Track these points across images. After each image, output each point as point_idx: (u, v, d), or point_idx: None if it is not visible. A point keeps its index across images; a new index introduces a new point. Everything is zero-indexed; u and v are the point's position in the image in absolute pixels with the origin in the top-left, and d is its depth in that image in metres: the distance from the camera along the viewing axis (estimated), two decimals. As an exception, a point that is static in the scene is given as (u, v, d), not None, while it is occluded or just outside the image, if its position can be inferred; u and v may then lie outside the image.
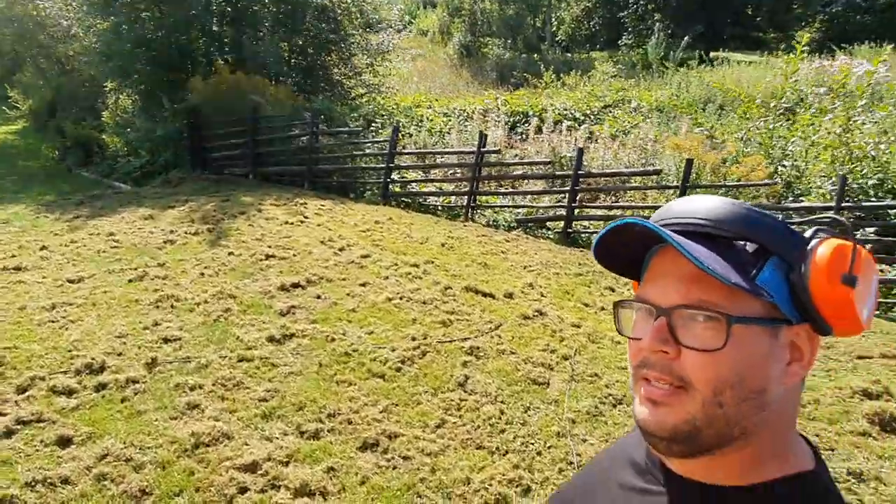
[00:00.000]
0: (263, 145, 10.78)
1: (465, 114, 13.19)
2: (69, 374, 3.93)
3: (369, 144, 10.35)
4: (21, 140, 18.52)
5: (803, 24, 28.56)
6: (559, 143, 10.26)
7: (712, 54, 24.71)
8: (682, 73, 16.71)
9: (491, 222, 8.42)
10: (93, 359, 4.04)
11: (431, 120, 12.94)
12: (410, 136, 11.42)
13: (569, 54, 30.08)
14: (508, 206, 8.65)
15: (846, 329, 0.61)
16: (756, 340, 0.61)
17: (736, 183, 7.53)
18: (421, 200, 9.21)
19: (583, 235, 7.94)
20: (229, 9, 13.53)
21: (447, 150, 9.87)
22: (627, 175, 8.32)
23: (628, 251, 0.70)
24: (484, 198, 8.93)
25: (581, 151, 8.04)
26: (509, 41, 31.26)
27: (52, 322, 4.58)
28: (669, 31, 23.89)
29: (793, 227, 0.64)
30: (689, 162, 7.20)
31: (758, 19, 30.96)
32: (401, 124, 11.66)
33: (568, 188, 7.96)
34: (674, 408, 0.62)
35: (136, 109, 14.13)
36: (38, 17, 16.70)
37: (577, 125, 11.74)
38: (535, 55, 29.65)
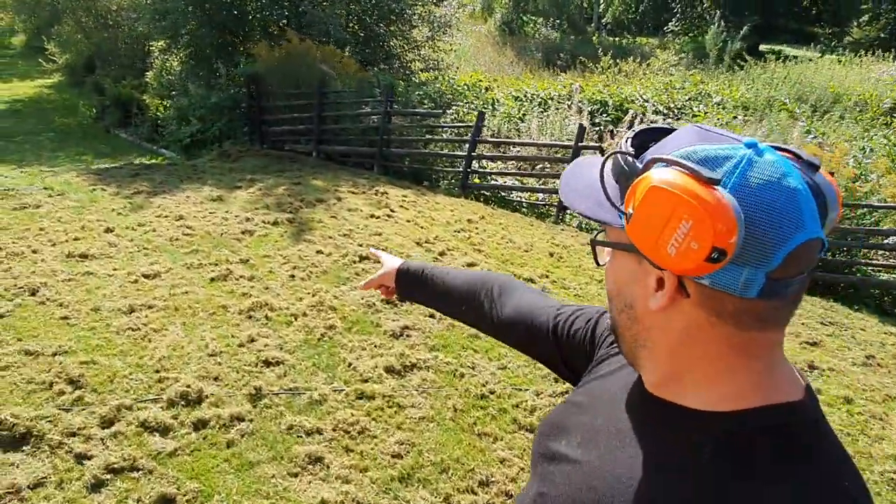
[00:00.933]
0: (329, 122, 10.00)
1: (540, 98, 12.28)
2: (161, 403, 3.25)
3: (447, 129, 9.52)
4: (57, 95, 17.97)
5: (863, 20, 26.92)
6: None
7: (761, 47, 23.36)
8: (762, 67, 15.58)
9: (585, 226, 7.61)
10: (187, 386, 3.36)
11: (504, 104, 12.06)
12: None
13: (614, 38, 28.73)
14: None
15: (660, 261, 0.61)
16: (623, 261, 0.69)
17: (885, 204, 6.61)
18: (504, 195, 8.41)
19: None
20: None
21: (537, 142, 8.99)
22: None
23: None
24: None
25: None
26: (555, 21, 29.98)
27: (133, 330, 3.90)
28: (727, 20, 22.55)
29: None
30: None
31: (814, 11, 29.35)
32: (476, 108, 10.82)
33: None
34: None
35: (185, 72, 13.41)
36: (81, -34, 16.01)
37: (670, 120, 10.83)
38: (588, 37, 28.41)
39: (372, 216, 6.57)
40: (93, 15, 17.39)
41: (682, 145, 0.62)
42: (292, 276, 4.87)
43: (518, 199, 8.39)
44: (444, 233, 6.31)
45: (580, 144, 7.60)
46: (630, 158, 0.67)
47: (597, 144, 8.13)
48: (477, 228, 6.60)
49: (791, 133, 8.79)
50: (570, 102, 11.23)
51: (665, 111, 11.69)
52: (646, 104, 11.67)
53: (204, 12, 12.26)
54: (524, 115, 11.32)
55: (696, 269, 0.58)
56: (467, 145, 8.41)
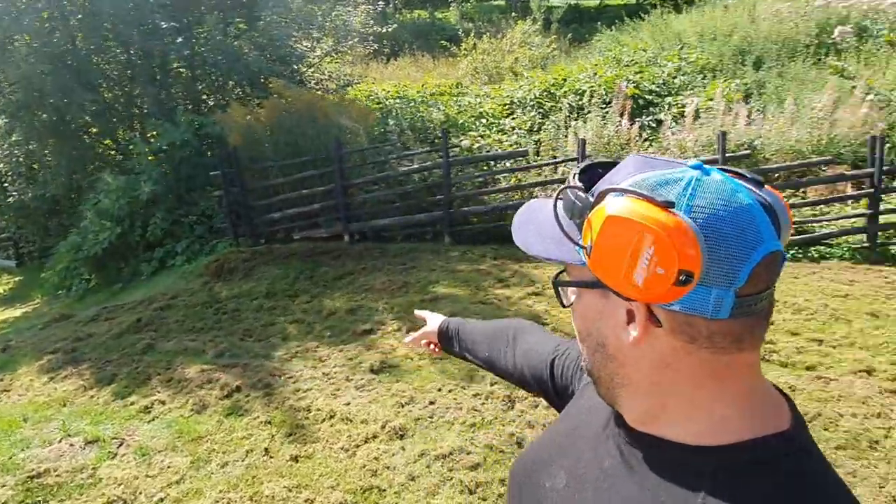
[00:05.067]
0: (356, 190, 7.52)
1: (527, 101, 10.72)
2: None
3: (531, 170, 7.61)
4: None
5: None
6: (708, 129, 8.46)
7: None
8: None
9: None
10: None
11: (494, 116, 10.32)
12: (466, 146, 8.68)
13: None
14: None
15: (628, 292, 0.60)
16: (589, 299, 0.68)
17: None
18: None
19: None
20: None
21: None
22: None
23: None
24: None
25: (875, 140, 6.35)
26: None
27: None
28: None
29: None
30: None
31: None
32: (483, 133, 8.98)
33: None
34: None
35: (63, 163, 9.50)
36: None
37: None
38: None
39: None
40: None
41: (630, 174, 0.62)
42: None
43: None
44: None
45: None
46: (581, 193, 0.66)
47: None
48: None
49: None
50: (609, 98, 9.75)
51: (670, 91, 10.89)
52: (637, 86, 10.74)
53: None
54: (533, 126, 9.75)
55: (665, 296, 0.58)
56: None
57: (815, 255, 6.58)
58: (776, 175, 7.51)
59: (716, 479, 0.60)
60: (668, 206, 0.57)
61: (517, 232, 0.77)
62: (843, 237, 6.59)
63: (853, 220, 6.67)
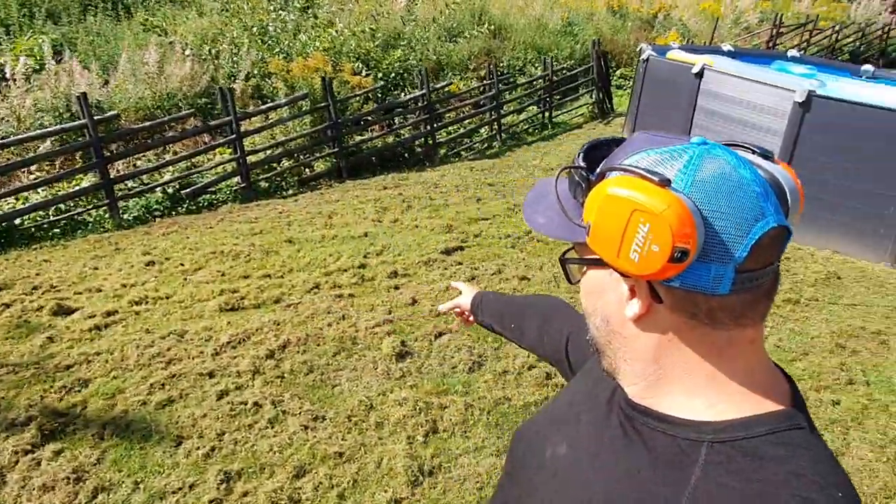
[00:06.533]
0: None
1: None
2: None
3: None
4: None
5: None
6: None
7: None
8: None
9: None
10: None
11: None
12: None
13: None
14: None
15: (626, 269, 0.61)
16: (594, 276, 0.70)
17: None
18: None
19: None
20: None
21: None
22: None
23: None
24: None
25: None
26: None
27: None
28: None
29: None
30: (230, 92, 7.49)
31: None
32: None
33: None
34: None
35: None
36: None
37: None
38: None
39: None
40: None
41: (633, 152, 0.64)
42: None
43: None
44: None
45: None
46: (583, 172, 0.68)
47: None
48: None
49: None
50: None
51: None
52: None
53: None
54: None
55: (662, 272, 0.58)
56: None
57: (205, 203, 7.10)
58: (139, 136, 7.48)
59: (712, 452, 0.61)
60: (664, 183, 0.57)
61: (526, 209, 0.78)
62: (223, 182, 7.31)
63: (225, 165, 7.43)
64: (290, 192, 7.53)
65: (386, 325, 4.23)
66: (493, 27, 13.72)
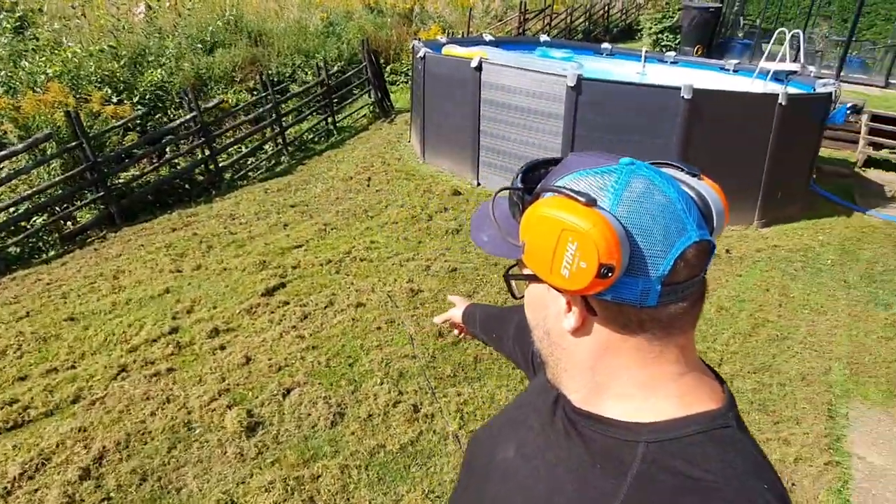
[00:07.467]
0: None
1: None
2: None
3: None
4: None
5: None
6: None
7: None
8: None
9: None
10: None
11: None
12: None
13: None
14: None
15: (558, 284, 0.65)
16: (535, 292, 0.74)
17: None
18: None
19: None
20: None
21: None
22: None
23: None
24: None
25: None
26: None
27: None
28: None
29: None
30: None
31: None
32: None
33: None
34: None
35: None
36: None
37: None
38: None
39: None
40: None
41: (566, 173, 0.67)
42: None
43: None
44: None
45: None
46: (520, 193, 0.72)
47: None
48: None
49: None
50: None
51: None
52: None
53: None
54: None
55: (591, 287, 0.61)
56: None
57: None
58: None
59: (648, 451, 0.66)
60: (590, 203, 0.61)
61: (472, 229, 0.82)
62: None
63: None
64: (53, 253, 6.26)
65: (223, 397, 3.68)
66: (251, 33, 12.92)
